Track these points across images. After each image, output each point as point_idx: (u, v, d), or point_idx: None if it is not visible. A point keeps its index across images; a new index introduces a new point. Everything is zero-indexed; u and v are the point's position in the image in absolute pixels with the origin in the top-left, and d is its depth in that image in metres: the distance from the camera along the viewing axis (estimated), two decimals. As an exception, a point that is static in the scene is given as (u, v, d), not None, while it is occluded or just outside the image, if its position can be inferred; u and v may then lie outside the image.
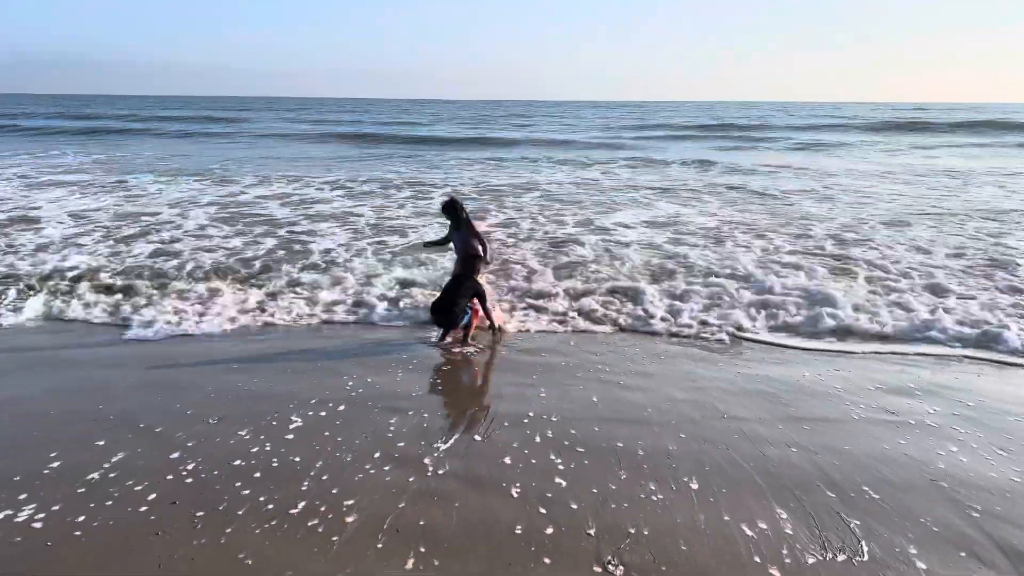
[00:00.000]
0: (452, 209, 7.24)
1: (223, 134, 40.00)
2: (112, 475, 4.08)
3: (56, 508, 3.74)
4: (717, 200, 16.09)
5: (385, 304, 7.74)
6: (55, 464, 4.21)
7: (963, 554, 3.44)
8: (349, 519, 3.65)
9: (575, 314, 7.44)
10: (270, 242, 11.09)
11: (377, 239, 11.38)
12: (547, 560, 3.36)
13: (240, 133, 40.68)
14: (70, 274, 8.89)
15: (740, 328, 7.00)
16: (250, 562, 3.32)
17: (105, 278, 8.73)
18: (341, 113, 67.79)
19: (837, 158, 28.06)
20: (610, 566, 3.31)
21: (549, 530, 3.58)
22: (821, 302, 7.59)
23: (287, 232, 11.91)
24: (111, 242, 10.97)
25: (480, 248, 7.07)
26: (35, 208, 14.13)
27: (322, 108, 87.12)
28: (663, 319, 7.30)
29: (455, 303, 6.39)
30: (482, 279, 6.89)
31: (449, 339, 6.63)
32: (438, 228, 11.60)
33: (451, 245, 7.54)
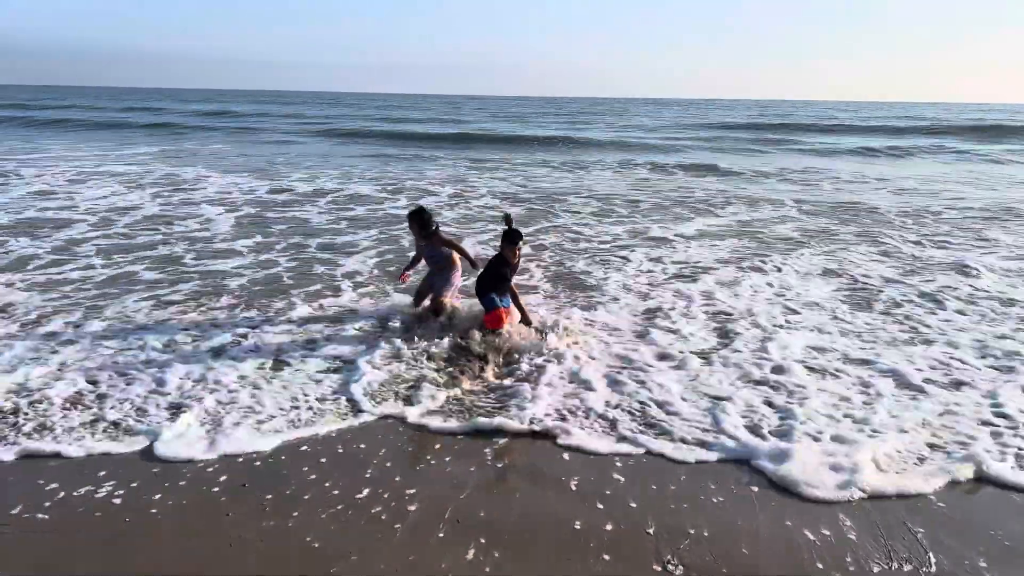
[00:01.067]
0: (424, 220, 6.65)
1: (262, 129, 40.48)
2: (185, 456, 4.26)
3: (134, 485, 3.92)
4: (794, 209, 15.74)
5: None
6: (132, 442, 4.42)
7: (1037, 569, 3.35)
8: (411, 508, 3.73)
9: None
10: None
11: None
12: (606, 557, 3.37)
13: (289, 130, 41.23)
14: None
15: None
16: (316, 545, 3.42)
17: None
18: (388, 110, 68.20)
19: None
20: (670, 566, 3.31)
21: (608, 527, 3.60)
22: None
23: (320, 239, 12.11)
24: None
25: (461, 256, 6.74)
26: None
27: (356, 104, 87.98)
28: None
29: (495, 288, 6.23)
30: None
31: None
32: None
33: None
